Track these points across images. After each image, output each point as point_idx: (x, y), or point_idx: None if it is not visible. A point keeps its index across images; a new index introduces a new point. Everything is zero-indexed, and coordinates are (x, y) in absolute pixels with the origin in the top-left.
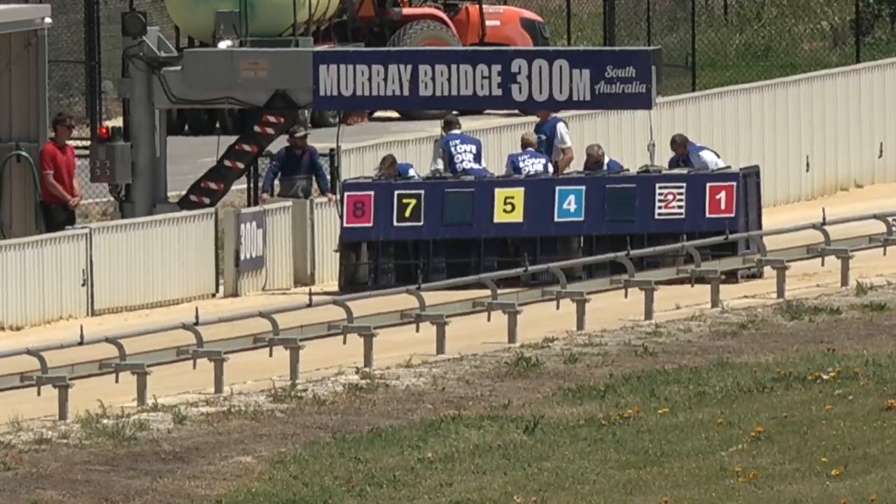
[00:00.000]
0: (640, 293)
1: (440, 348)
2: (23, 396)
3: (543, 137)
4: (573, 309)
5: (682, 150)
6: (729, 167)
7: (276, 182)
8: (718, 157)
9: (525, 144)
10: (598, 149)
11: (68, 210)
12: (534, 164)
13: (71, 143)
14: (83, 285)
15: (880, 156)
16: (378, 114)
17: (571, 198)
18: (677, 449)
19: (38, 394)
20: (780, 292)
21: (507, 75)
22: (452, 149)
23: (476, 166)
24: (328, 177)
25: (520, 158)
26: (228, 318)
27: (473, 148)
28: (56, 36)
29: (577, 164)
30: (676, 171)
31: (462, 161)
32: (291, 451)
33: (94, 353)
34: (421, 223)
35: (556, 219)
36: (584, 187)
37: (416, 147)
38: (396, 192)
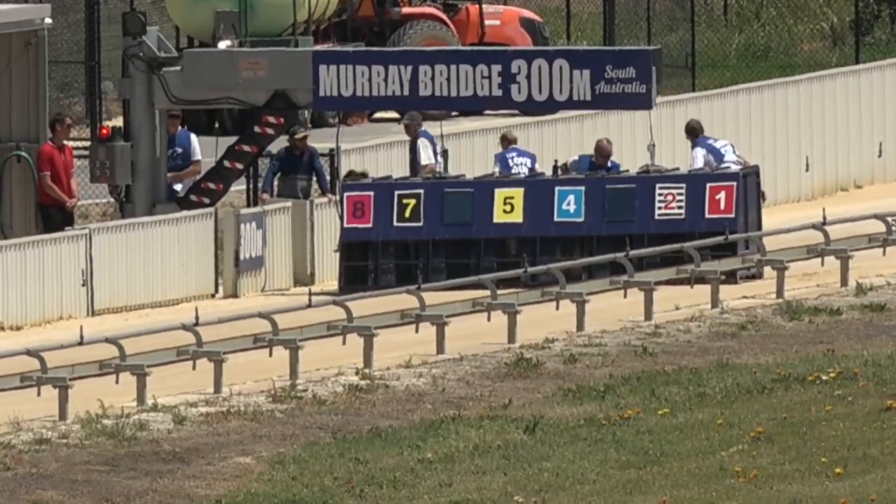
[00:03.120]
0: (640, 294)
1: (440, 348)
2: (23, 397)
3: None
4: (573, 309)
5: (695, 134)
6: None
7: (276, 182)
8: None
9: (509, 141)
10: (607, 142)
11: (66, 212)
12: (523, 164)
13: (71, 143)
14: (83, 285)
15: (880, 156)
16: (378, 114)
17: (571, 198)
18: (677, 449)
19: (38, 394)
20: (780, 293)
21: (506, 75)
22: (510, 161)
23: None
24: (328, 177)
25: (508, 156)
26: (228, 318)
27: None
28: (56, 36)
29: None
30: (676, 171)
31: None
32: (291, 452)
33: (94, 354)
34: (421, 223)
35: (555, 219)
36: (583, 187)
37: None
38: (396, 193)
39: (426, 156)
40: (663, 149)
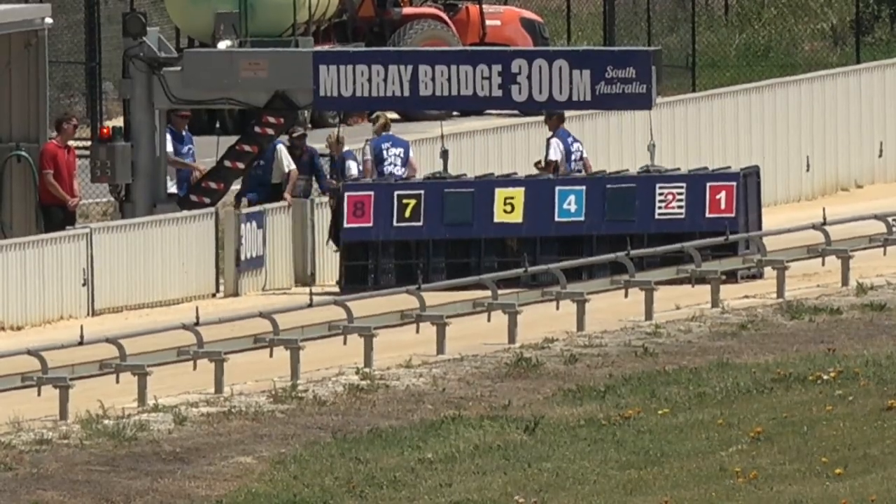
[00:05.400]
0: (641, 293)
1: (440, 349)
2: (23, 397)
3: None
4: (573, 309)
5: (553, 124)
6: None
7: None
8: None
9: (382, 126)
10: None
11: (68, 211)
12: (397, 155)
13: (72, 143)
14: (83, 285)
15: (880, 156)
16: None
17: (572, 198)
18: (677, 449)
19: (39, 394)
20: (781, 292)
21: (507, 76)
22: (384, 152)
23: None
24: (328, 177)
25: (382, 146)
26: (229, 318)
27: (402, 152)
28: (56, 36)
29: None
30: (676, 171)
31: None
32: (292, 452)
33: (95, 354)
34: (421, 223)
35: (556, 219)
36: (584, 187)
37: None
38: (396, 193)
39: (287, 162)
40: (663, 149)
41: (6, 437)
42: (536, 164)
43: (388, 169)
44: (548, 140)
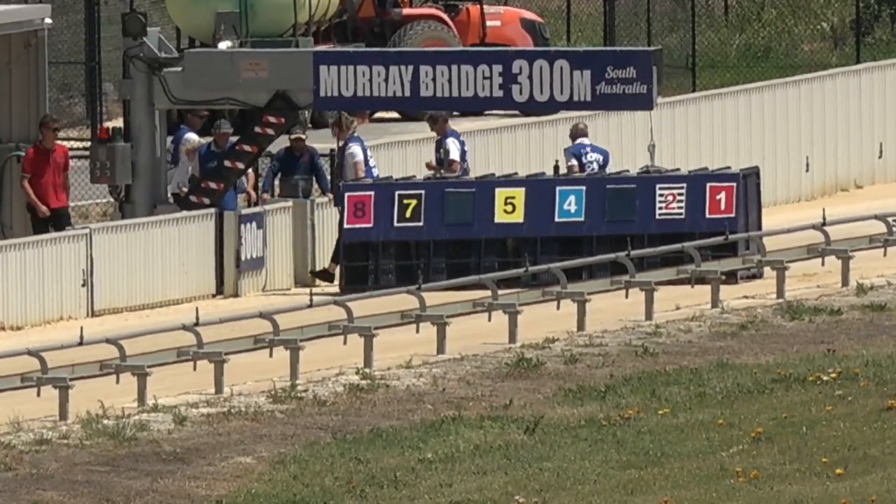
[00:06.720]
0: (641, 294)
1: (440, 349)
2: (23, 397)
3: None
4: (574, 309)
5: (441, 128)
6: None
7: (276, 182)
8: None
9: (346, 129)
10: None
11: (58, 213)
12: (375, 163)
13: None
14: (83, 286)
15: (880, 156)
16: (378, 114)
17: (572, 198)
18: (678, 449)
19: (39, 394)
20: (780, 293)
21: (508, 76)
22: (584, 157)
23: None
24: (328, 177)
25: (367, 149)
26: (229, 318)
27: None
28: (56, 37)
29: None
30: (677, 172)
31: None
32: (292, 452)
33: (95, 354)
34: (421, 223)
35: (556, 219)
36: (584, 188)
37: (415, 148)
38: (397, 193)
39: None
40: (664, 149)
41: (6, 438)
42: (428, 164)
43: (374, 171)
44: (440, 141)
